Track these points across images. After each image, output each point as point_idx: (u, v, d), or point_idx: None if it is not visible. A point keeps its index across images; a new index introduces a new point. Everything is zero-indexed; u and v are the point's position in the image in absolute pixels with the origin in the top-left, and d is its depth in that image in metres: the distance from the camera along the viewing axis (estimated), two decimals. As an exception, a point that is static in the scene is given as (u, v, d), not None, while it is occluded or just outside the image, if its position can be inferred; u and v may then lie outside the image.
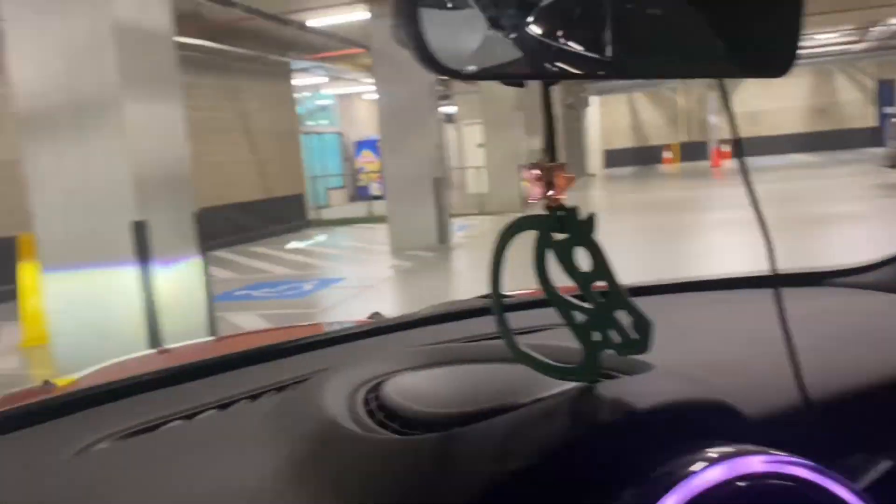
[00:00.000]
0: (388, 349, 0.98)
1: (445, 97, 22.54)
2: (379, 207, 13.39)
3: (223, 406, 0.85)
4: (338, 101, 22.75)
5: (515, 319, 0.68)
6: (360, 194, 21.94)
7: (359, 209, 17.78)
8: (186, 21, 5.81)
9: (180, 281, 4.82)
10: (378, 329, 1.15)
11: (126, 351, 4.32)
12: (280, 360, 1.04)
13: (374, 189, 19.70)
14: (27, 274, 6.03)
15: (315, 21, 11.98)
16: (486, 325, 1.02)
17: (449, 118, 26.89)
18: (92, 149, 4.53)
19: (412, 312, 1.25)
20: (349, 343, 1.11)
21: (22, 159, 4.68)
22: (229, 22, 10.64)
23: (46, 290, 4.74)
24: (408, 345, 0.99)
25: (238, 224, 12.78)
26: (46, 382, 1.13)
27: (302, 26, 12.15)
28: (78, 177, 4.57)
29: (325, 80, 18.05)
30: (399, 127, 10.20)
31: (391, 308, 6.92)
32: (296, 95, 16.62)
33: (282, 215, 14.65)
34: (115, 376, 1.19)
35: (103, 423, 0.82)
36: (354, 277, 8.65)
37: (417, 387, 0.72)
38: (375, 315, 1.41)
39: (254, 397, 0.87)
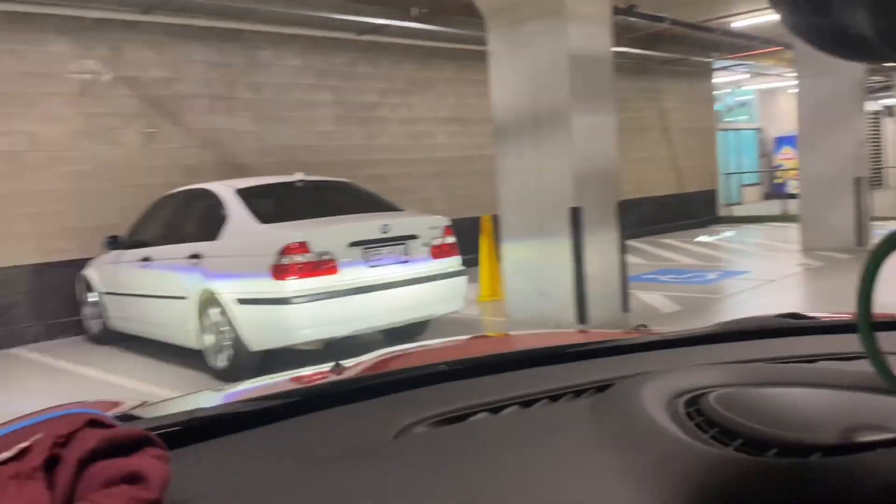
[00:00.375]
0: (697, 362, 0.96)
1: (887, 87, 20.43)
2: (793, 206, 13.12)
3: (525, 403, 0.87)
4: (758, 97, 22.18)
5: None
6: (775, 192, 21.17)
7: (772, 207, 17.36)
8: (619, 32, 6.79)
9: (602, 257, 5.92)
10: (677, 341, 1.14)
11: (560, 308, 5.63)
12: (566, 363, 1.05)
13: (791, 187, 18.95)
14: (486, 245, 7.79)
15: (739, 23, 12.26)
16: (786, 346, 1.04)
17: (890, 111, 24.16)
18: (545, 151, 5.86)
19: (698, 328, 1.22)
20: (636, 353, 1.10)
21: (495, 158, 6.24)
22: (657, 31, 11.55)
23: (505, 257, 6.25)
24: (696, 360, 0.98)
25: (651, 217, 13.71)
26: (337, 365, 1.18)
27: (725, 31, 12.53)
28: (533, 172, 5.95)
29: (747, 76, 17.91)
30: (819, 123, 10.06)
31: (793, 303, 7.19)
32: (715, 93, 16.89)
33: (692, 210, 15.21)
34: (395, 364, 1.30)
35: (415, 406, 0.86)
36: (758, 271, 8.94)
37: (753, 405, 0.68)
38: (641, 327, 1.40)
39: (554, 398, 0.88)
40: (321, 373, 1.18)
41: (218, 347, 5.24)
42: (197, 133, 8.63)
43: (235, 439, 0.81)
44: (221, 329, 5.18)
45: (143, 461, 0.60)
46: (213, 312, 5.22)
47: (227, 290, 5.06)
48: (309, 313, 4.83)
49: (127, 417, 0.97)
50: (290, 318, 4.84)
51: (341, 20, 8.93)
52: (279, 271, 4.78)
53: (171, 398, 1.15)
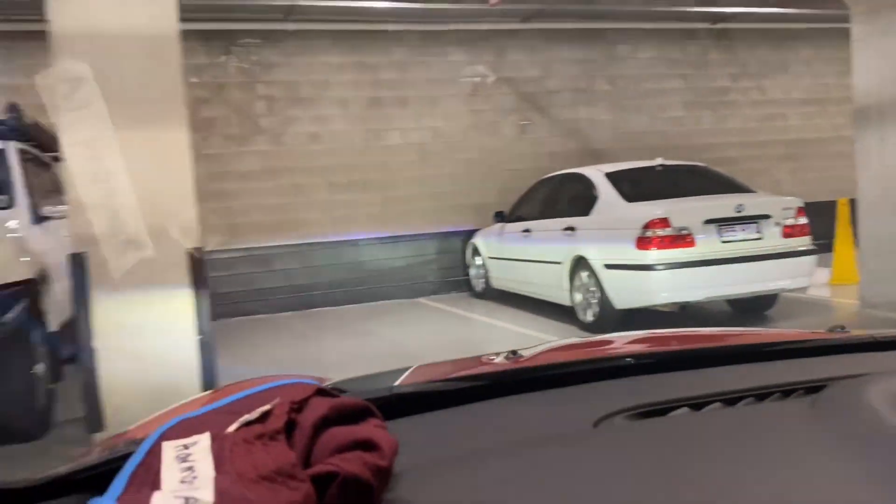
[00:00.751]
0: None
1: None
2: None
3: (729, 401, 0.85)
4: None
5: None
6: None
7: None
8: None
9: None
10: (886, 343, 1.10)
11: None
12: (765, 362, 1.03)
13: None
14: (842, 228, 7.81)
15: None
16: None
17: None
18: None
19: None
20: (843, 354, 1.08)
21: (854, 141, 6.38)
22: None
23: (862, 240, 6.36)
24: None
25: None
26: (513, 353, 1.15)
27: None
28: (894, 156, 6.00)
29: None
30: None
31: None
32: None
33: None
34: (568, 355, 1.29)
35: (611, 397, 0.87)
36: None
37: None
38: (838, 328, 1.25)
39: (760, 397, 0.86)
40: (498, 360, 1.15)
41: (586, 305, 6.30)
42: (561, 123, 9.85)
43: (433, 417, 0.85)
44: (590, 289, 6.22)
45: (372, 430, 0.63)
46: (583, 275, 6.29)
47: (596, 257, 6.07)
48: (667, 279, 5.64)
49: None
50: (650, 282, 5.69)
51: (698, 12, 9.46)
52: (643, 242, 5.65)
53: (359, 377, 1.11)
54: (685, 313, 5.89)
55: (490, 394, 0.92)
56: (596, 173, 6.62)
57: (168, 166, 3.94)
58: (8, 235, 3.99)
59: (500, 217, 7.95)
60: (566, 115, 9.89)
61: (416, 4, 8.64)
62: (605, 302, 6.02)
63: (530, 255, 7.16)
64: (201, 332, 4.04)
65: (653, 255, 5.61)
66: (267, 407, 0.63)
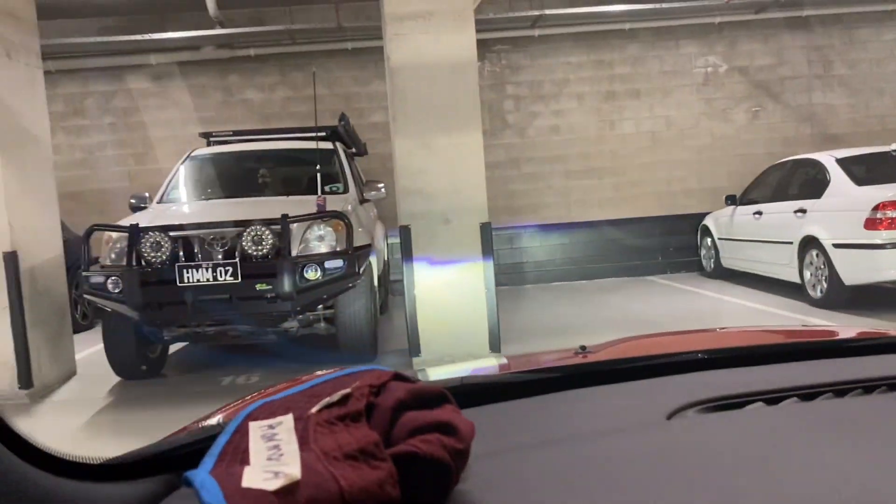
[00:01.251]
0: None
1: None
2: None
3: (807, 396, 0.85)
4: None
5: None
6: None
7: None
8: None
9: None
10: None
11: None
12: (846, 358, 1.01)
13: None
14: None
15: None
16: None
17: None
18: None
19: None
20: None
21: None
22: None
23: None
24: None
25: None
26: (582, 348, 1.16)
27: None
28: None
29: None
30: None
31: None
32: None
33: None
34: (636, 350, 1.31)
35: (683, 391, 0.87)
36: None
37: None
38: None
39: (839, 392, 0.85)
40: (566, 354, 1.17)
41: (815, 281, 6.78)
42: (794, 109, 10.08)
43: (504, 406, 0.87)
44: (819, 267, 6.70)
45: (450, 413, 0.65)
46: (813, 254, 6.77)
47: (827, 237, 6.55)
48: (894, 257, 6.02)
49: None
50: (879, 260, 6.09)
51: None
52: (872, 223, 6.07)
53: (427, 368, 1.11)
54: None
55: (560, 387, 0.94)
56: (827, 159, 7.03)
57: (467, 161, 5.21)
58: (350, 212, 5.46)
59: (732, 200, 8.52)
60: (801, 100, 10.09)
61: (651, 5, 9.36)
62: (833, 279, 6.49)
63: (761, 236, 7.70)
64: (487, 288, 5.27)
65: (882, 235, 6.01)
66: (347, 390, 0.64)
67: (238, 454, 0.56)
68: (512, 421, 0.83)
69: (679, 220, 9.95)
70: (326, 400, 0.63)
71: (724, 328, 1.67)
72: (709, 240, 9.25)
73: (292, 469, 0.52)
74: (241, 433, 0.60)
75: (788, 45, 10.04)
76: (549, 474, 0.66)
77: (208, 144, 6.97)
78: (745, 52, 10.04)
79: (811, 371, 0.94)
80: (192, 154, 6.59)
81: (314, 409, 0.61)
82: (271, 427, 0.60)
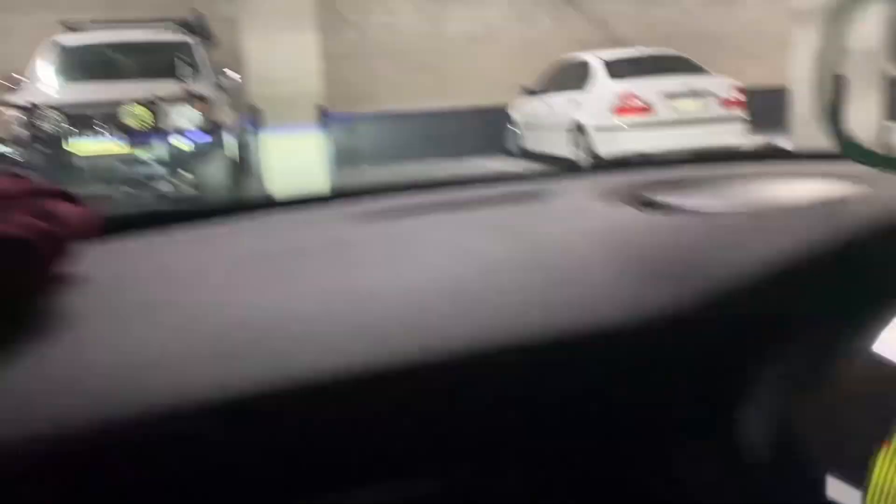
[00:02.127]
0: None
1: None
2: None
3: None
4: None
5: None
6: None
7: None
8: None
9: None
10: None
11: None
12: None
13: None
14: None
15: None
16: None
17: None
18: None
19: None
20: None
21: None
22: None
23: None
24: None
25: None
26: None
27: None
28: None
29: None
30: None
31: None
32: None
33: None
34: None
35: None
36: None
37: None
38: None
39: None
40: None
41: (583, 156, 8.80)
42: (589, 16, 11.96)
43: (168, 232, 0.84)
44: (585, 147, 8.68)
45: (55, 203, 0.61)
46: (579, 134, 8.74)
47: (589, 122, 8.50)
48: (634, 136, 8.05)
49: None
50: (624, 138, 8.11)
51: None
52: (619, 110, 8.06)
53: None
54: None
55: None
56: (593, 58, 8.95)
57: (305, 53, 6.59)
58: (207, 96, 6.69)
59: (530, 92, 10.35)
60: (595, 8, 11.96)
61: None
62: (594, 154, 8.48)
63: (547, 121, 9.62)
64: (322, 150, 6.80)
65: (625, 120, 8.03)
66: None
67: None
68: (174, 246, 0.79)
69: (495, 111, 11.69)
70: None
71: None
72: (513, 127, 11.11)
73: None
74: None
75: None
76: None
77: (69, 31, 7.75)
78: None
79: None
80: (58, 39, 7.40)
81: None
82: None
